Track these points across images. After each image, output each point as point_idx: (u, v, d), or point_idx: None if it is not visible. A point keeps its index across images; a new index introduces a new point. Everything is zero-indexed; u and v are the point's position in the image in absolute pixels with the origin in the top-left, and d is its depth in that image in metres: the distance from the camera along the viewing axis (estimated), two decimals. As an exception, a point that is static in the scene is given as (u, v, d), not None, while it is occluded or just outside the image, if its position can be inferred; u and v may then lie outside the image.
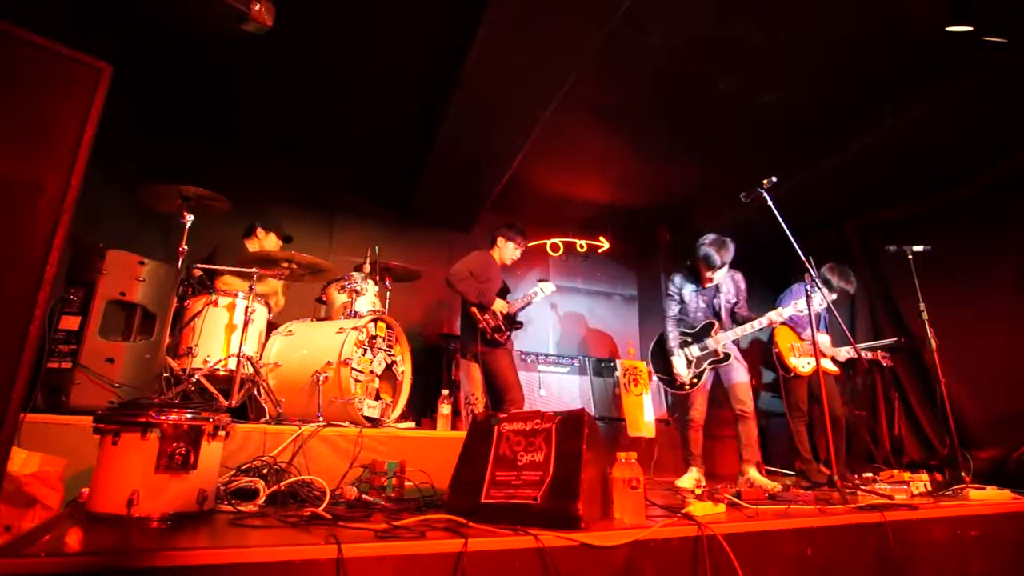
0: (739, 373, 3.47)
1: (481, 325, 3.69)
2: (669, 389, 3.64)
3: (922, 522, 1.95)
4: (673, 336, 3.58)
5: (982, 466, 3.56)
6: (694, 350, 3.56)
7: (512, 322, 3.85)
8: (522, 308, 3.94)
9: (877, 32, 3.19)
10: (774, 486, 2.90)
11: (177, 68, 3.72)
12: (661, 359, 3.65)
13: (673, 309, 3.65)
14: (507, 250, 3.98)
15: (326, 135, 4.56)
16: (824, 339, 4.09)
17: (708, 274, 3.53)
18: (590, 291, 5.99)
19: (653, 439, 4.48)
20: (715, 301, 3.65)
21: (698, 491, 2.81)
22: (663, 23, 3.20)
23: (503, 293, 3.90)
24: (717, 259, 3.44)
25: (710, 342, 3.52)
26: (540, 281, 4.16)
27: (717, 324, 3.57)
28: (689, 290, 3.65)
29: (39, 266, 1.08)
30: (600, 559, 1.34)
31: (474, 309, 3.73)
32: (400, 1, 3.13)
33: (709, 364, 3.50)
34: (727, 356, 3.48)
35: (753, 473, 3.29)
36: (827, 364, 4.01)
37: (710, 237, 3.50)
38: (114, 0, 2.99)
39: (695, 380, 3.51)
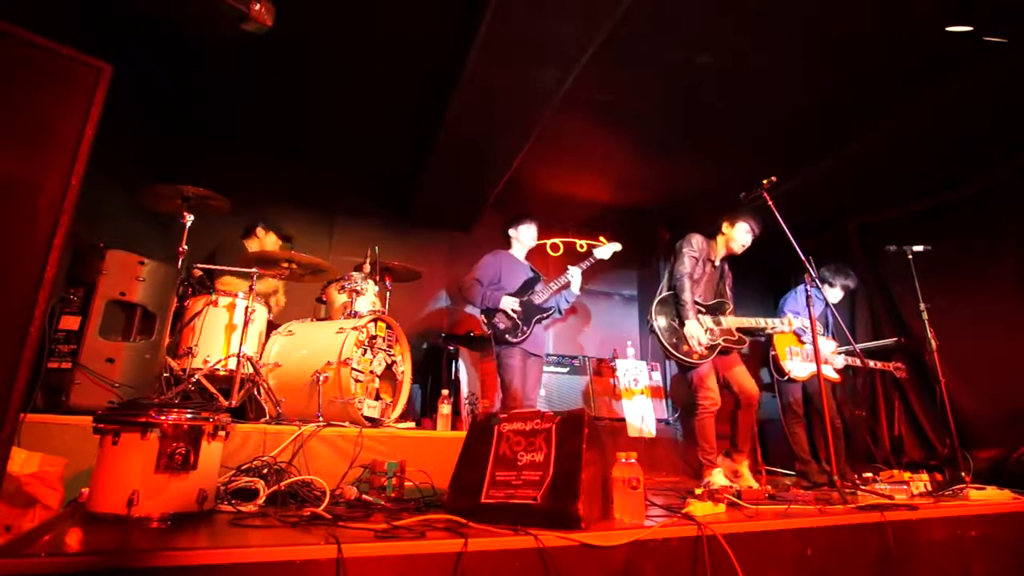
0: (741, 365, 3.28)
1: (488, 330, 3.53)
2: (677, 357, 3.17)
3: (922, 522, 1.95)
4: (689, 299, 3.19)
5: (982, 466, 3.56)
6: (707, 321, 3.24)
7: (534, 314, 3.54)
8: (550, 297, 3.65)
9: (877, 32, 3.19)
10: (751, 485, 2.88)
11: (177, 68, 3.72)
12: (669, 322, 3.23)
13: (690, 267, 3.27)
14: (523, 236, 3.78)
15: (326, 135, 4.56)
16: (829, 345, 4.09)
17: (737, 244, 3.34)
18: (590, 291, 5.98)
19: (653, 439, 4.48)
20: (719, 285, 3.45)
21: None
22: (663, 24, 3.21)
23: (530, 284, 3.65)
24: (756, 230, 3.31)
25: (724, 320, 3.26)
26: (572, 266, 3.76)
27: (731, 306, 3.34)
28: (704, 258, 3.37)
29: (39, 266, 1.08)
30: (600, 559, 1.34)
31: (482, 316, 3.58)
32: (400, 1, 3.13)
33: (724, 341, 3.21)
34: (742, 340, 3.24)
35: (745, 468, 3.15)
36: (827, 371, 4.00)
37: (737, 212, 3.36)
38: (114, 0, 2.99)
39: (708, 352, 3.16)
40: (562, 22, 2.97)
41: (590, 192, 5.38)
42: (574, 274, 3.66)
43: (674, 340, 3.18)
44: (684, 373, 3.27)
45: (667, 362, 5.45)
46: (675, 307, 3.25)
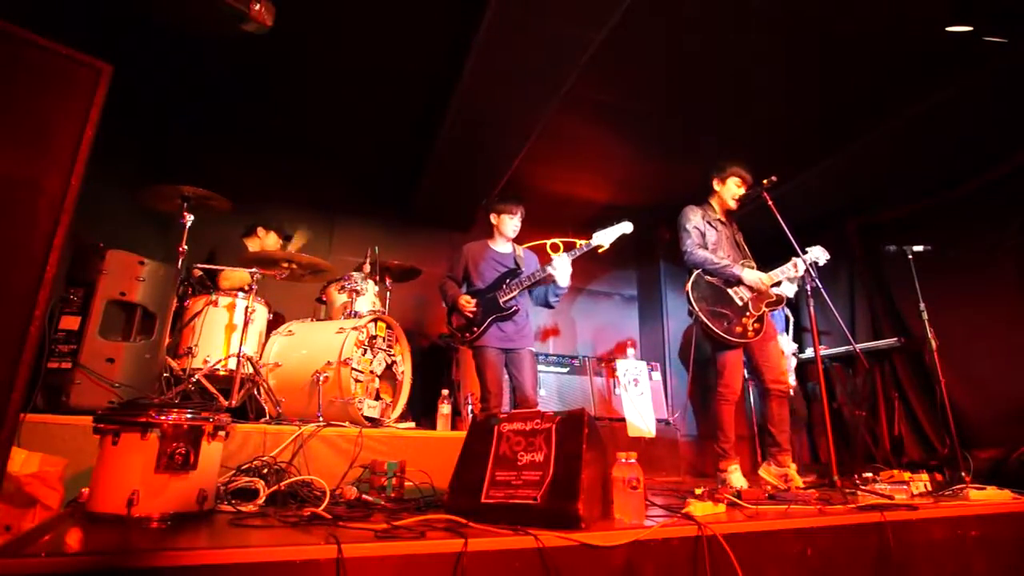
0: (775, 341, 3.04)
1: (451, 329, 3.40)
2: (726, 339, 2.92)
3: (922, 522, 1.95)
4: (719, 260, 3.02)
5: (982, 466, 3.55)
6: (743, 292, 3.03)
7: (492, 312, 3.27)
8: (519, 293, 3.28)
9: (877, 32, 3.19)
10: (799, 486, 2.75)
11: (177, 68, 3.73)
12: (710, 305, 2.98)
13: (697, 239, 3.10)
14: (503, 225, 3.42)
15: (326, 135, 4.56)
16: (790, 346, 4.11)
17: (730, 199, 3.16)
18: (590, 291, 5.99)
19: (653, 439, 4.48)
20: (737, 237, 3.23)
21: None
22: (663, 24, 3.21)
23: (504, 279, 3.35)
24: (748, 178, 3.13)
25: (752, 277, 3.04)
26: (556, 255, 3.39)
27: (752, 263, 3.15)
28: (711, 219, 3.18)
29: (39, 266, 1.08)
30: (600, 559, 1.34)
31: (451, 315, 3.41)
32: (401, 1, 3.13)
33: (766, 306, 3.00)
34: (780, 299, 3.03)
35: (793, 470, 2.87)
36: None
37: (724, 164, 3.22)
38: (114, 0, 2.99)
39: (758, 326, 2.95)
40: (562, 23, 2.97)
41: (590, 192, 5.38)
42: (558, 264, 3.24)
43: (724, 323, 2.94)
44: (716, 352, 3.05)
45: (667, 362, 5.45)
46: (709, 285, 3.05)
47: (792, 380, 4.12)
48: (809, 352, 4.23)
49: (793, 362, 4.13)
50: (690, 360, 4.78)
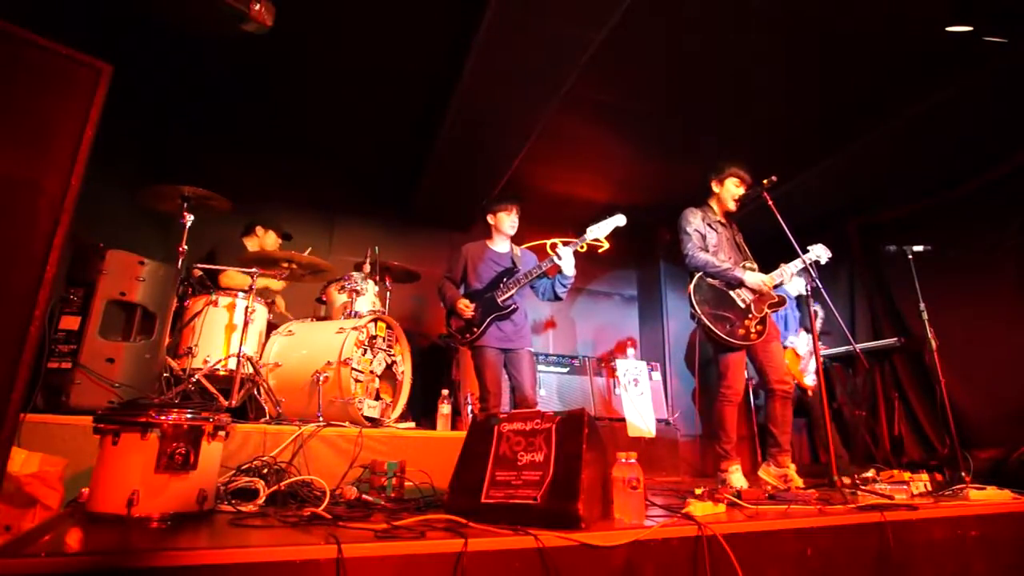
0: (777, 342, 3.04)
1: (450, 331, 3.41)
2: (729, 342, 2.93)
3: (922, 522, 1.94)
4: (721, 263, 3.02)
5: (982, 466, 3.55)
6: (745, 294, 3.02)
7: (491, 312, 3.26)
8: (517, 291, 3.30)
9: (877, 32, 3.19)
10: (799, 486, 2.73)
11: (177, 68, 3.73)
12: (712, 308, 2.98)
13: (698, 241, 3.10)
14: (501, 223, 3.43)
15: (326, 135, 4.56)
16: (807, 345, 4.11)
17: (729, 200, 3.15)
18: (590, 291, 5.99)
19: (653, 439, 4.48)
20: (737, 238, 3.23)
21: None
22: (663, 24, 3.21)
23: (502, 278, 3.36)
24: (747, 179, 3.12)
25: (754, 279, 3.04)
26: (563, 244, 3.30)
27: (754, 264, 3.15)
28: (711, 221, 3.17)
29: (39, 266, 1.08)
30: (600, 559, 1.34)
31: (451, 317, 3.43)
32: (401, 2, 3.13)
33: (768, 307, 3.02)
34: (783, 300, 3.05)
35: (793, 471, 2.85)
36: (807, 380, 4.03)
37: (722, 165, 3.21)
38: (114, 0, 2.99)
39: (760, 328, 2.95)
40: (562, 23, 2.97)
41: (590, 192, 5.39)
42: (564, 253, 3.23)
43: (726, 326, 2.94)
44: (718, 353, 3.06)
45: (667, 362, 5.45)
46: (711, 288, 3.04)
47: (810, 380, 4.10)
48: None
49: (814, 363, 4.11)
50: (695, 365, 4.80)
